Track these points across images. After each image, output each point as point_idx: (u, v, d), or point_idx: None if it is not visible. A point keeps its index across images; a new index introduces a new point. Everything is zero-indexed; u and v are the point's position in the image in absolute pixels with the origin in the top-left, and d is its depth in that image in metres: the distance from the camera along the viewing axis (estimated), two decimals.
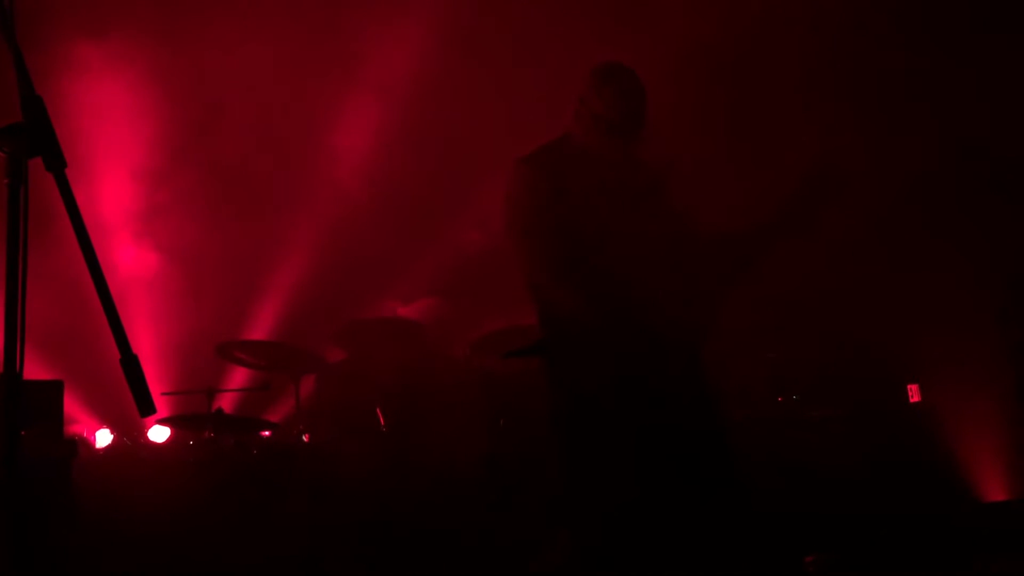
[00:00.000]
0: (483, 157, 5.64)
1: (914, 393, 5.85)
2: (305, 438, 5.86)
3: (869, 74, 6.02)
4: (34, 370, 5.98)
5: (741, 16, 5.98)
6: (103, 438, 6.45)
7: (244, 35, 6.57)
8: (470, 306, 6.33)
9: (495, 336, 5.77)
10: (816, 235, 3.30)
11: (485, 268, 6.17)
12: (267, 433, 6.31)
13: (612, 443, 3.13)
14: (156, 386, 6.41)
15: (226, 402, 6.44)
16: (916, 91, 5.83)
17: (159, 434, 6.37)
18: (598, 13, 6.35)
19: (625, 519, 3.09)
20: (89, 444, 6.30)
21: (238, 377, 6.82)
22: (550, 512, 4.51)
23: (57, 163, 1.86)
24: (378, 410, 5.54)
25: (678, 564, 3.07)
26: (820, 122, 5.92)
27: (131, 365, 1.83)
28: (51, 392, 4.80)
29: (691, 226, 3.43)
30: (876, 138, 5.77)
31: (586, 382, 3.20)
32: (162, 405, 6.34)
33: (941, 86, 5.80)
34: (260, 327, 6.98)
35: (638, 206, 3.33)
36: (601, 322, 3.15)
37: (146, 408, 1.83)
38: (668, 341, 3.18)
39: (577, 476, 3.23)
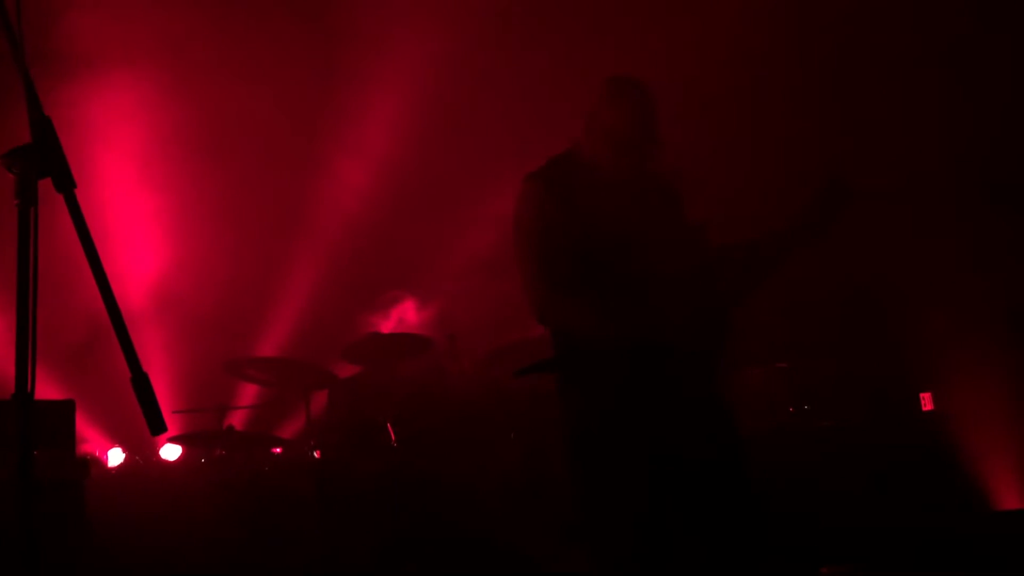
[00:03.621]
0: (493, 173, 5.63)
1: (927, 401, 5.82)
2: (316, 454, 5.86)
3: (894, 79, 5.95)
4: (45, 390, 5.98)
5: (755, 22, 5.94)
6: (115, 457, 6.45)
7: (252, 49, 6.58)
8: (479, 319, 6.31)
9: (507, 349, 5.76)
10: (828, 245, 3.27)
11: (496, 282, 6.16)
12: (278, 449, 6.32)
13: (626, 460, 3.10)
14: (167, 404, 6.42)
15: (237, 419, 6.45)
16: (943, 98, 5.76)
17: (171, 452, 6.38)
18: (608, 20, 6.35)
19: (641, 537, 3.06)
20: (101, 463, 6.30)
21: (248, 394, 6.83)
22: (564, 529, 4.48)
23: (67, 183, 1.86)
24: (389, 425, 5.53)
25: None
26: (840, 127, 5.89)
27: (142, 384, 1.83)
28: (63, 412, 4.80)
29: (703, 237, 3.40)
30: (897, 145, 5.73)
31: (599, 399, 3.16)
32: (173, 423, 6.36)
33: (972, 93, 5.75)
34: (269, 343, 6.99)
35: (650, 219, 3.29)
36: (613, 338, 3.12)
37: (157, 427, 1.83)
38: (682, 355, 3.15)
39: (592, 494, 3.19)
